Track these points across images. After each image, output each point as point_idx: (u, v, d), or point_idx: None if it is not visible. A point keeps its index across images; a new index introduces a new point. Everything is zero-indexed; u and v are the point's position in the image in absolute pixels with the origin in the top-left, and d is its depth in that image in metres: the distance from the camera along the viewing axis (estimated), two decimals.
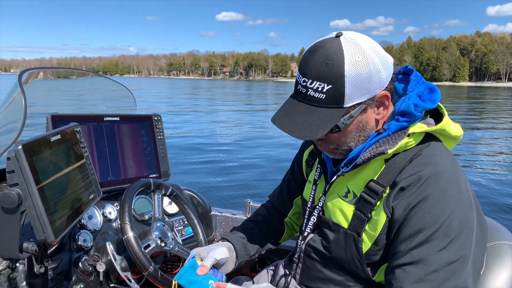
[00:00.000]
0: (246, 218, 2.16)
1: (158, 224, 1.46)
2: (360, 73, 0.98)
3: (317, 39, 1.07)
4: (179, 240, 1.54)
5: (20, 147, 0.99)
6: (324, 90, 1.00)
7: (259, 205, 2.13)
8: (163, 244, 1.42)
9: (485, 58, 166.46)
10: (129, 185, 1.43)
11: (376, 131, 1.10)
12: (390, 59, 1.07)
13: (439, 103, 1.08)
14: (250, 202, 2.18)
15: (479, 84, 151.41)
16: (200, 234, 1.61)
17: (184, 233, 1.91)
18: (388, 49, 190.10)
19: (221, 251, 1.28)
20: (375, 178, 1.07)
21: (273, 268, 1.52)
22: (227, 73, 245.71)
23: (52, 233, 1.04)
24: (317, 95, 1.01)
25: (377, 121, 1.09)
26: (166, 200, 1.88)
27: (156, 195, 1.53)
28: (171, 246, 1.44)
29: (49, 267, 1.26)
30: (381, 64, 1.01)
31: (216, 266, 1.23)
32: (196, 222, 1.63)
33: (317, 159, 1.29)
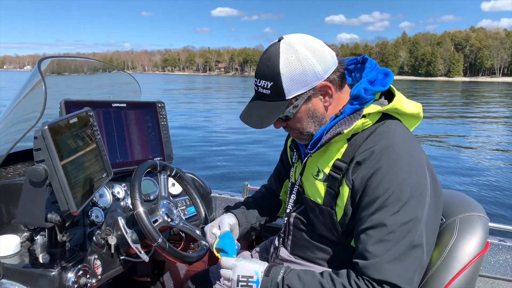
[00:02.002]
0: (244, 199, 2.30)
1: (164, 202, 1.59)
2: (294, 70, 1.18)
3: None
4: (183, 217, 1.67)
5: (46, 127, 1.11)
6: (268, 87, 1.21)
7: (256, 187, 2.28)
8: (169, 220, 1.54)
9: (480, 53, 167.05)
10: (136, 166, 1.55)
11: (335, 115, 1.27)
12: (329, 54, 1.24)
13: (391, 86, 1.25)
14: (248, 185, 2.32)
15: (473, 79, 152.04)
16: (202, 212, 1.74)
17: (186, 212, 2.04)
18: (383, 45, 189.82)
19: (230, 219, 1.51)
20: (340, 157, 1.24)
21: (267, 242, 1.69)
22: (222, 69, 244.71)
23: (74, 204, 1.16)
24: (264, 91, 1.22)
25: (326, 107, 1.27)
26: (169, 182, 2.01)
27: (162, 176, 1.65)
28: (176, 222, 1.57)
29: (66, 239, 1.38)
30: (316, 60, 1.19)
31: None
32: (198, 201, 1.76)
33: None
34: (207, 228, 1.53)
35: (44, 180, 1.13)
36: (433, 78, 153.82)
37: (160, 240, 1.39)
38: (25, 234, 1.47)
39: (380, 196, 1.13)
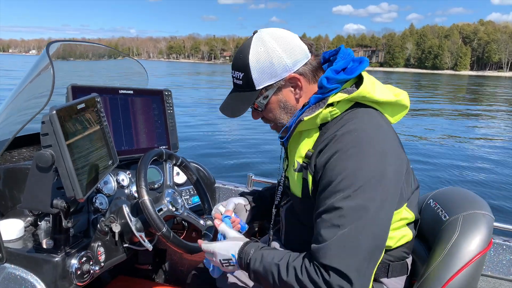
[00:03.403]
0: (248, 190, 2.29)
1: (169, 191, 1.59)
2: (262, 61, 1.22)
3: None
4: (187, 207, 1.67)
5: (54, 112, 1.09)
6: (240, 77, 1.26)
7: (261, 179, 2.27)
8: (173, 209, 1.54)
9: (488, 47, 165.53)
10: (141, 154, 1.54)
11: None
12: (299, 47, 1.25)
13: (363, 73, 1.24)
14: (252, 176, 2.31)
15: (480, 73, 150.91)
16: (206, 202, 1.74)
17: (190, 202, 2.04)
18: (390, 36, 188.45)
19: (237, 199, 1.58)
20: (310, 147, 1.24)
21: (267, 235, 1.69)
22: (228, 57, 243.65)
23: (80, 190, 1.15)
24: (238, 82, 1.29)
25: (297, 99, 1.29)
26: (174, 171, 2.00)
27: (167, 164, 1.64)
28: (181, 211, 1.57)
29: (70, 226, 1.38)
30: (284, 52, 1.21)
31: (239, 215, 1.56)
32: (202, 191, 1.75)
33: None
34: (215, 206, 1.60)
35: (51, 165, 1.12)
36: (440, 71, 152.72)
37: (164, 229, 1.39)
38: (29, 219, 1.47)
39: (333, 180, 1.11)
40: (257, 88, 1.25)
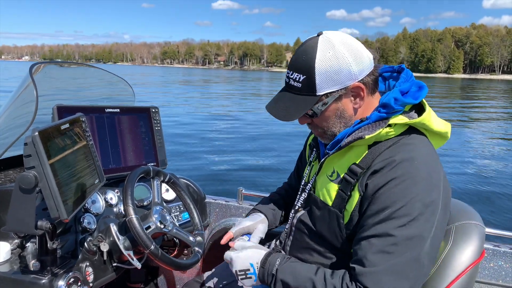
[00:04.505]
0: (238, 204, 2.29)
1: (158, 208, 1.58)
2: (329, 66, 1.16)
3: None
4: (177, 224, 1.66)
5: (36, 133, 1.10)
6: (300, 80, 1.19)
7: (251, 192, 2.26)
8: (162, 226, 1.53)
9: (480, 51, 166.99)
10: (129, 172, 1.54)
11: (360, 119, 1.24)
12: (367, 56, 1.21)
13: (423, 100, 1.22)
14: (242, 190, 2.30)
15: (473, 76, 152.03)
16: (196, 218, 1.73)
17: (180, 218, 2.03)
18: (384, 40, 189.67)
19: (262, 229, 1.55)
20: (357, 162, 1.21)
21: (273, 242, 1.70)
22: (222, 62, 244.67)
23: (65, 211, 1.15)
24: (295, 84, 1.20)
25: (355, 109, 1.24)
26: (163, 188, 2.00)
27: (155, 181, 1.64)
28: (169, 228, 1.56)
29: (57, 246, 1.37)
30: (353, 59, 1.16)
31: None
32: (192, 207, 1.75)
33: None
34: (237, 230, 1.55)
35: (34, 187, 1.12)
36: (433, 75, 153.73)
37: (152, 247, 1.38)
38: (16, 241, 1.46)
39: (389, 207, 1.10)
40: (318, 93, 1.18)
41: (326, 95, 1.19)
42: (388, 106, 1.18)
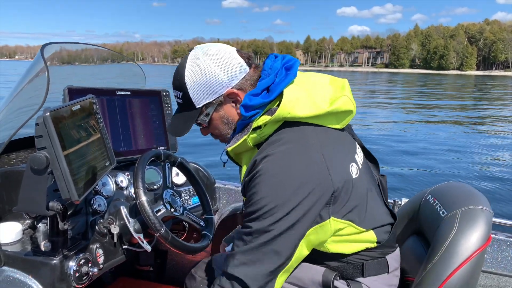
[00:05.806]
0: None
1: (168, 192, 1.58)
2: (198, 80, 1.22)
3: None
4: (187, 207, 1.66)
5: (48, 113, 1.09)
6: (180, 97, 1.26)
7: None
8: (172, 210, 1.53)
9: (494, 47, 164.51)
10: (139, 155, 1.53)
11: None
12: (237, 63, 1.23)
13: (296, 81, 1.21)
14: None
15: (486, 73, 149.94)
16: (206, 202, 1.73)
17: (190, 202, 2.03)
18: (395, 37, 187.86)
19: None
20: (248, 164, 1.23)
21: None
22: None
23: (75, 193, 1.15)
24: (179, 101, 1.30)
25: (239, 114, 1.25)
26: (173, 171, 1.99)
27: (166, 165, 1.64)
28: (179, 212, 1.56)
29: (68, 228, 1.38)
30: (219, 69, 1.22)
31: None
32: (202, 191, 1.75)
33: None
34: None
35: (46, 167, 1.11)
36: (446, 72, 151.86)
37: (162, 230, 1.38)
38: (27, 221, 1.47)
39: (249, 201, 1.14)
40: (197, 106, 1.26)
41: (205, 106, 1.26)
42: (243, 115, 1.21)
